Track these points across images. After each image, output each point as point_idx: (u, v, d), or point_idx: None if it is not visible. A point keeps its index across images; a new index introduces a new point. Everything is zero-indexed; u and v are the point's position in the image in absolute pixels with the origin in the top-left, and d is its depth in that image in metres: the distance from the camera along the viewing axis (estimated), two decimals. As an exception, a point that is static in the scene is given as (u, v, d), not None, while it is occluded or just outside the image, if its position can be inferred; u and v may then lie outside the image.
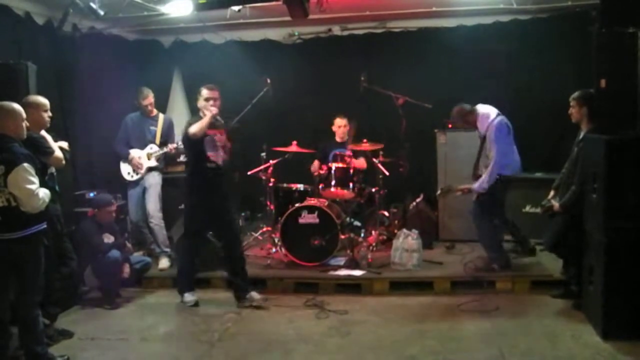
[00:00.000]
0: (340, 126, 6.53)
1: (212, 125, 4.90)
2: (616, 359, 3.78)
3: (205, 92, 4.99)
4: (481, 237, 5.51)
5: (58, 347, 4.20)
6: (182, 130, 5.04)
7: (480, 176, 5.36)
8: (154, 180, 5.99)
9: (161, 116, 6.17)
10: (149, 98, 6.02)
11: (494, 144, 5.23)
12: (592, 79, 4.26)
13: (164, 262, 5.92)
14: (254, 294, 5.06)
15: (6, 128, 3.67)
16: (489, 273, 5.32)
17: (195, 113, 5.22)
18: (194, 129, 4.80)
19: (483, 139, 5.41)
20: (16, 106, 3.77)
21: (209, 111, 4.85)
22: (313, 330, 4.49)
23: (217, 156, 5.01)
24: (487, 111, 5.40)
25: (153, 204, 5.94)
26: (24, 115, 3.78)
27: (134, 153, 5.95)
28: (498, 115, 5.35)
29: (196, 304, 5.08)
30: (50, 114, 4.27)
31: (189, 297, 5.12)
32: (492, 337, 4.21)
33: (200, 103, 5.01)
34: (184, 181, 5.43)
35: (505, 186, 5.42)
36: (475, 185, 5.35)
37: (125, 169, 6.01)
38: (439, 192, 6.09)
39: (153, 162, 5.98)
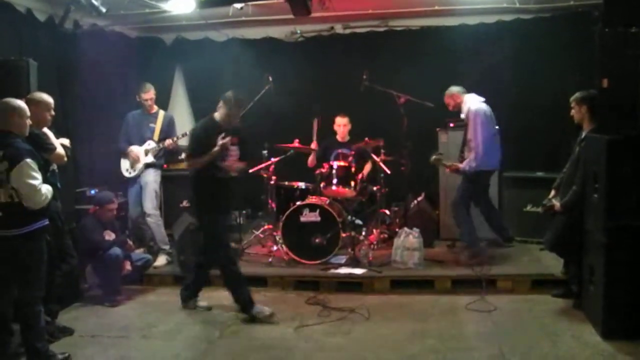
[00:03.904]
0: (340, 125, 6.56)
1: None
2: (616, 359, 3.78)
3: None
4: (458, 225, 5.72)
5: (59, 344, 4.20)
6: None
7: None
8: (150, 178, 5.97)
9: (161, 113, 6.14)
10: (150, 93, 6.00)
11: (473, 131, 5.49)
12: (595, 78, 4.26)
13: (160, 260, 5.93)
14: None
15: (10, 124, 3.67)
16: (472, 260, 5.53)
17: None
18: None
19: (466, 125, 5.66)
20: (20, 103, 3.76)
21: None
22: (314, 328, 4.49)
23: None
24: (468, 99, 5.65)
25: (149, 202, 5.93)
26: (28, 112, 3.77)
27: (133, 148, 5.96)
28: (478, 104, 5.58)
29: None
30: (53, 113, 4.26)
31: None
32: (492, 336, 4.22)
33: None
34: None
35: (486, 177, 5.71)
36: (463, 165, 5.56)
37: (124, 166, 6.01)
38: (433, 157, 5.93)
39: (150, 158, 5.96)
